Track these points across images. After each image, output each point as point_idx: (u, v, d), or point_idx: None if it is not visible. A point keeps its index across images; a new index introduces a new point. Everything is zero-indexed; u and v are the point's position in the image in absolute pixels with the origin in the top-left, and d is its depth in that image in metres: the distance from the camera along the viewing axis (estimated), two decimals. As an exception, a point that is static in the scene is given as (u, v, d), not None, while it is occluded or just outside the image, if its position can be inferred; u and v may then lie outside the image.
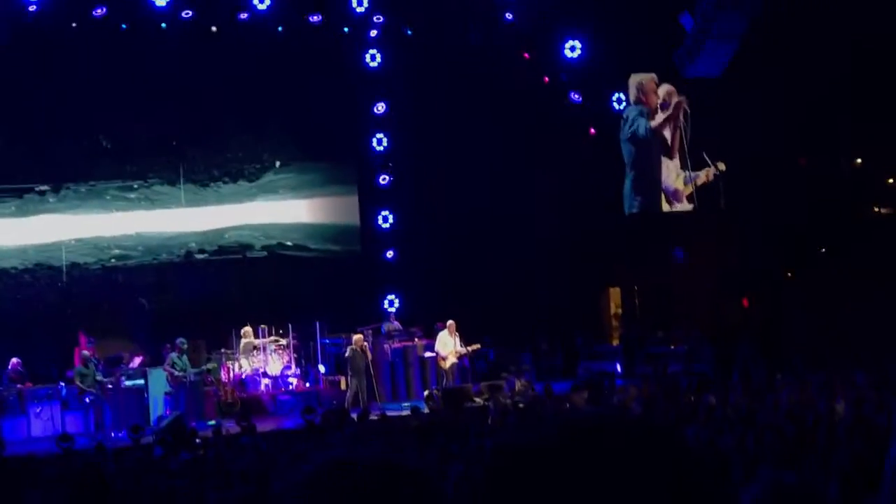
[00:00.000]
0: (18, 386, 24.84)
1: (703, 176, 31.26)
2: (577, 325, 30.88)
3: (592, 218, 30.68)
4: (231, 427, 21.59)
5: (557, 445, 1.62)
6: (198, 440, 19.80)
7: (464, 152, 30.03)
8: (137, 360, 26.45)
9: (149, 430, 22.51)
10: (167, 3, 28.67)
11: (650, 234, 31.02)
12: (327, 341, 28.37)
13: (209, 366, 26.51)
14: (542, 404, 21.76)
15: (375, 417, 20.80)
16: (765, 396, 17.86)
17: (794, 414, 13.81)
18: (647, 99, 31.41)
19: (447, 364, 26.59)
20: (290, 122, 31.02)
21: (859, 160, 31.78)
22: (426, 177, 30.93)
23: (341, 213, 32.11)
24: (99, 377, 24.41)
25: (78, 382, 24.24)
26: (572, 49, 31.10)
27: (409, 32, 31.26)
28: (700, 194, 31.03)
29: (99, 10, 28.37)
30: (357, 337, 26.20)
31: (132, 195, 30.30)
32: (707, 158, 30.71)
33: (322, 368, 27.94)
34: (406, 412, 21.25)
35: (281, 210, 31.72)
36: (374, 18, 30.81)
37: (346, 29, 30.96)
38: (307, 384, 27.76)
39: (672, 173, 31.59)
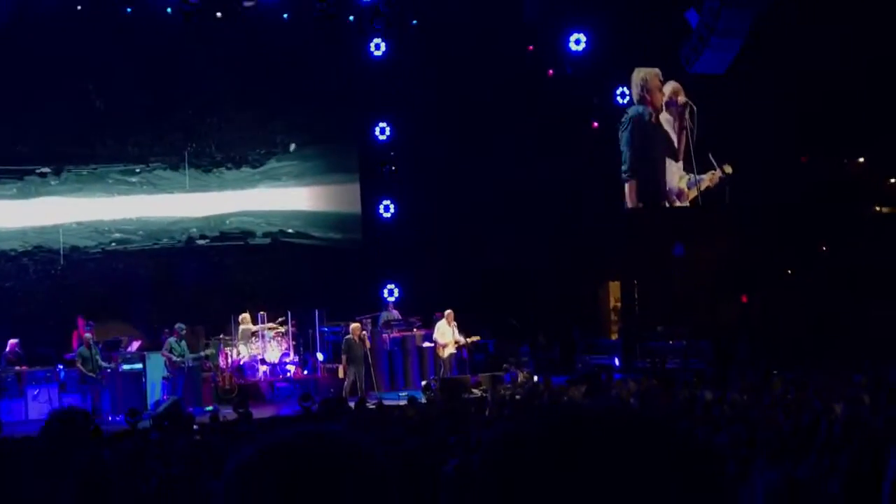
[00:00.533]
0: (16, 368, 24.85)
1: (707, 179, 31.27)
2: (576, 318, 30.87)
3: (593, 211, 30.71)
4: (228, 413, 21.62)
5: (557, 436, 1.60)
6: (195, 426, 19.80)
7: (466, 143, 30.02)
8: (136, 345, 26.46)
9: (146, 414, 22.53)
10: (172, -12, 28.70)
11: (650, 228, 31.05)
12: (326, 329, 28.37)
13: (207, 352, 26.52)
14: (540, 396, 21.77)
15: (372, 406, 20.80)
16: (762, 394, 17.87)
17: (790, 412, 13.81)
18: (652, 97, 31.42)
19: (445, 353, 26.59)
20: (294, 109, 31.01)
21: (861, 159, 31.78)
22: (428, 167, 30.92)
23: (343, 201, 32.11)
24: (99, 361, 24.43)
25: (79, 365, 24.26)
26: (577, 42, 31.08)
27: (415, 22, 31.24)
28: (704, 192, 31.14)
29: (104, -6, 28.38)
30: (354, 325, 26.19)
31: (134, 179, 30.28)
32: (713, 160, 30.72)
33: (320, 356, 27.96)
34: (403, 402, 21.24)
35: (283, 197, 31.73)
36: (380, 7, 30.77)
37: (351, 18, 30.92)
38: (305, 372, 27.78)
39: (675, 175, 31.60)
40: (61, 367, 25.20)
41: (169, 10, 29.05)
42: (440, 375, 26.20)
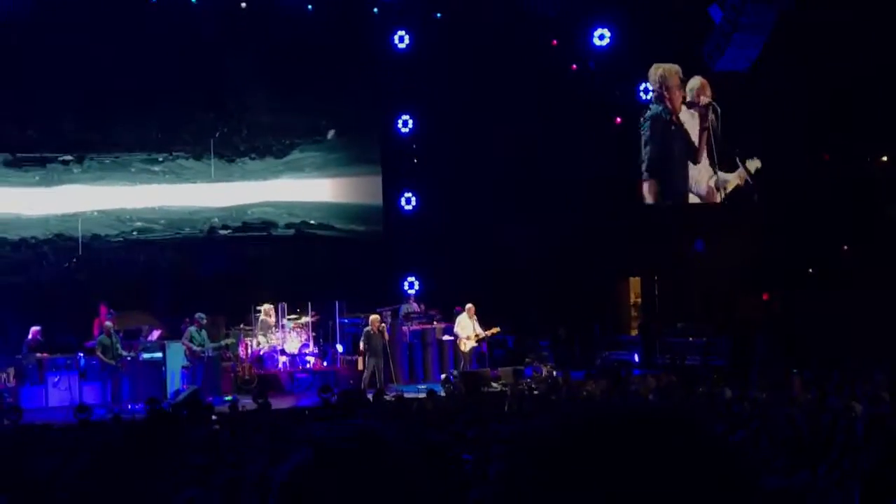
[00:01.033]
0: (38, 355, 24.96)
1: (734, 179, 31.11)
2: (597, 314, 30.83)
3: (615, 207, 30.64)
4: (248, 403, 21.67)
5: (584, 434, 1.57)
6: (214, 416, 19.85)
7: (488, 137, 29.98)
8: (156, 334, 26.54)
9: (165, 403, 22.58)
10: (197, -23, 28.75)
11: (671, 224, 30.98)
12: (346, 321, 28.37)
13: (227, 341, 26.56)
14: (559, 391, 21.76)
15: (391, 398, 20.82)
16: (781, 392, 17.84)
17: (810, 411, 13.78)
18: (671, 95, 31.26)
19: (466, 347, 26.57)
20: (318, 101, 31.01)
21: (885, 157, 31.62)
22: (449, 160, 30.90)
23: (365, 193, 32.12)
24: (119, 350, 24.52)
25: (99, 353, 24.35)
26: (601, 37, 31.00)
27: (438, 15, 31.21)
28: (732, 193, 31.05)
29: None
30: (374, 317, 26.18)
31: (157, 168, 30.34)
32: (739, 161, 30.61)
33: (340, 348, 27.96)
34: (422, 395, 21.25)
35: (305, 188, 31.73)
36: (404, 0, 30.78)
37: (375, 10, 30.92)
38: (325, 363, 27.79)
39: (704, 175, 31.41)
40: (81, 354, 25.29)
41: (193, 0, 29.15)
42: (460, 369, 26.19)
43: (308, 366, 27.42)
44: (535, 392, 22.76)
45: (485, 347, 26.96)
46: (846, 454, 8.90)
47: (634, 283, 32.81)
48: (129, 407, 23.64)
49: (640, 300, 32.61)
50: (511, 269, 29.67)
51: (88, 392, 24.56)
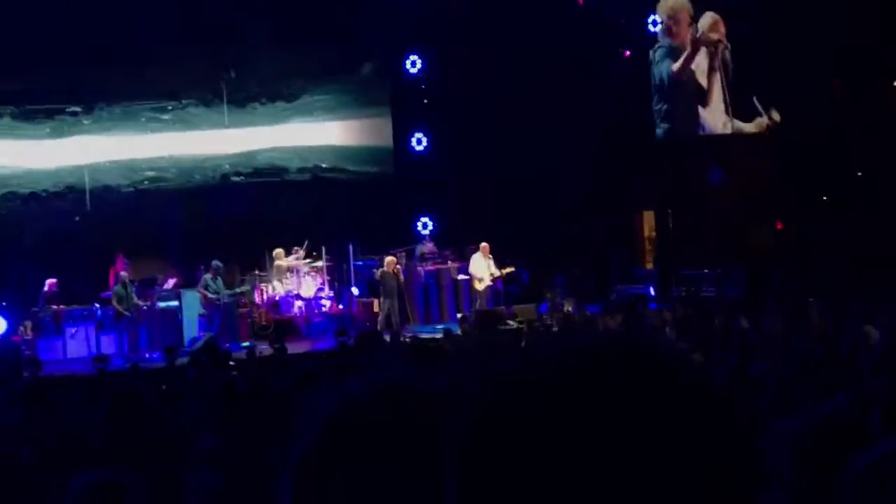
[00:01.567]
0: (54, 307, 25.06)
1: (752, 128, 30.71)
2: (611, 248, 30.80)
3: (627, 141, 30.51)
4: (265, 349, 21.75)
5: (541, 379, 1.44)
6: (231, 362, 19.92)
7: (497, 75, 29.80)
8: (171, 282, 26.62)
9: (183, 351, 22.67)
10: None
11: (685, 156, 30.86)
12: (360, 263, 28.39)
13: (243, 288, 26.65)
14: (575, 326, 21.79)
15: (407, 339, 20.87)
16: (798, 321, 17.82)
17: (826, 338, 13.76)
18: (679, 30, 30.84)
19: (481, 286, 26.60)
20: (326, 42, 30.76)
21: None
22: (460, 99, 30.76)
23: (375, 135, 32.02)
24: (135, 299, 24.59)
25: (115, 303, 24.43)
26: (608, -31, 30.78)
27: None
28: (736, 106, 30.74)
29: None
30: (389, 259, 26.22)
31: (166, 116, 30.29)
32: (758, 105, 30.27)
33: (355, 290, 28.00)
34: (439, 335, 21.30)
35: (315, 132, 31.64)
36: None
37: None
38: (340, 306, 27.86)
39: (717, 121, 31.06)
40: (98, 305, 25.38)
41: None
42: (476, 308, 26.23)
43: (324, 309, 27.49)
44: (554, 328, 22.80)
45: (500, 285, 26.99)
46: (863, 380, 8.89)
47: (648, 216, 32.71)
48: (147, 356, 23.76)
49: (654, 234, 32.53)
50: (524, 207, 29.57)
51: (106, 342, 24.68)
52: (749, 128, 30.69)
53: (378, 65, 31.65)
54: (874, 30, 28.40)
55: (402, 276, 26.21)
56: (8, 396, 10.51)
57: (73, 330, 24.80)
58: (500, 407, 1.44)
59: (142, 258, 27.48)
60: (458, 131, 30.82)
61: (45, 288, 25.40)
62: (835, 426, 3.42)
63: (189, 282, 26.44)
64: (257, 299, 27.07)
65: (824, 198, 30.40)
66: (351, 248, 28.15)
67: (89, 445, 6.87)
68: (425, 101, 32.01)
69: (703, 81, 30.85)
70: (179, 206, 29.87)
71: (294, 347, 21.84)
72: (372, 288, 27.03)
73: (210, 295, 24.98)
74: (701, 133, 31.27)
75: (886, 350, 10.47)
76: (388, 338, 21.59)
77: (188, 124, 30.42)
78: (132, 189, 29.89)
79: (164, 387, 15.46)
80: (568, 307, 25.80)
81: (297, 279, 27.56)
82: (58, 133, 29.21)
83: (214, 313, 24.99)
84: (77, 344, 24.61)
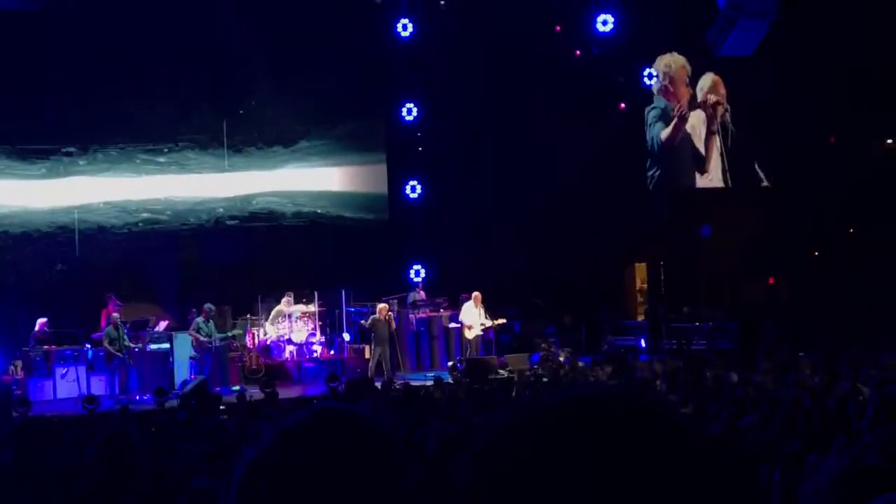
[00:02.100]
0: (45, 347, 25.00)
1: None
2: (603, 299, 30.85)
3: (620, 192, 30.63)
4: (255, 393, 21.71)
5: (539, 428, 1.47)
6: (222, 406, 19.91)
7: (492, 124, 29.97)
8: (163, 324, 26.57)
9: (173, 393, 22.63)
10: (200, -32, 28.71)
11: (677, 209, 30.96)
12: (353, 310, 28.39)
13: (234, 332, 26.61)
14: (565, 377, 21.79)
15: (399, 387, 20.86)
16: (788, 375, 17.86)
17: (817, 395, 13.80)
18: (676, 90, 31.00)
19: (472, 335, 26.60)
20: (322, 89, 30.88)
21: (890, 140, 31.62)
22: (455, 148, 30.89)
23: (370, 181, 32.08)
24: (126, 341, 24.55)
25: (106, 345, 24.37)
26: (604, 23, 30.93)
27: (442, 2, 31.17)
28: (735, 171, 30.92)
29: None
30: (381, 306, 26.23)
31: (162, 159, 30.34)
32: (760, 172, 30.42)
33: (347, 336, 27.99)
34: (429, 382, 21.28)
35: (309, 178, 31.69)
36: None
37: (378, -2, 30.89)
38: (332, 352, 27.83)
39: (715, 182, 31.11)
40: (89, 346, 25.32)
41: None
42: (466, 356, 26.22)
43: (315, 355, 27.46)
44: (544, 379, 22.79)
45: (491, 335, 26.99)
46: (855, 438, 8.93)
47: (640, 268, 32.78)
48: (137, 398, 23.70)
49: (646, 286, 32.59)
50: (516, 255, 29.63)
51: (96, 383, 24.58)
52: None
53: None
54: (865, 91, 28.62)
55: (394, 324, 26.20)
56: (-2, 436, 10.52)
57: (64, 370, 24.71)
58: (501, 460, 1.47)
59: (134, 300, 27.43)
60: (452, 180, 30.95)
61: (36, 328, 25.33)
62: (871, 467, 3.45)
63: (181, 324, 26.41)
64: (248, 343, 27.03)
65: (816, 253, 30.51)
66: (344, 294, 28.17)
67: (80, 486, 6.88)
68: (420, 148, 32.10)
69: (701, 146, 30.97)
70: (173, 249, 29.87)
71: (284, 392, 21.78)
72: (363, 334, 27.02)
73: (202, 338, 24.95)
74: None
75: (878, 408, 10.50)
76: (378, 385, 21.59)
77: (184, 167, 30.46)
78: (126, 230, 29.89)
79: (153, 429, 15.50)
80: (561, 357, 25.80)
81: (288, 324, 27.54)
82: (53, 173, 29.23)
83: (206, 356, 24.94)
84: (68, 384, 24.50)
